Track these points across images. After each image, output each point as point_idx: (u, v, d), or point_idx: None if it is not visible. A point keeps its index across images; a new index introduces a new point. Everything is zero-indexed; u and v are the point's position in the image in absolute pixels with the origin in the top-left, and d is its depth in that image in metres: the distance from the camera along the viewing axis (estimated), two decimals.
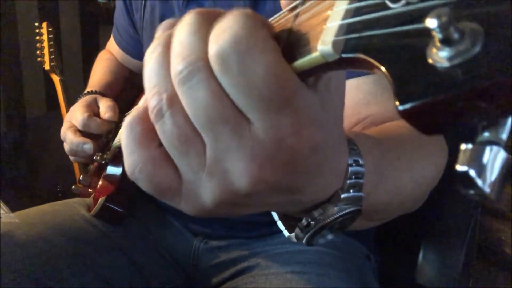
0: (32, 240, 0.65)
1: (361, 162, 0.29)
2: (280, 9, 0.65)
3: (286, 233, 0.32)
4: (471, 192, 0.17)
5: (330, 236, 0.30)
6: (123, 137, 0.25)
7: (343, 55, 0.19)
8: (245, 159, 0.22)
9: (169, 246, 0.79)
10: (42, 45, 1.43)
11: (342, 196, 0.28)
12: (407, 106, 0.17)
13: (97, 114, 0.79)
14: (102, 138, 0.83)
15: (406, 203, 0.44)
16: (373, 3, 0.18)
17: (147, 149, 0.24)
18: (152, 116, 0.23)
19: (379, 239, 0.81)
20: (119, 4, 0.92)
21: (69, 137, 0.76)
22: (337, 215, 0.28)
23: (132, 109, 0.25)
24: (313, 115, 0.23)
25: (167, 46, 0.23)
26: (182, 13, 0.71)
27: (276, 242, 0.71)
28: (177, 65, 0.22)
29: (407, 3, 0.17)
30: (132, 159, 0.25)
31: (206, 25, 0.22)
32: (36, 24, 1.46)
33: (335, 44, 0.19)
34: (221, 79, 0.21)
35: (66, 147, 0.78)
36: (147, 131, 0.24)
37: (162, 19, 0.75)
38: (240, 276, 0.69)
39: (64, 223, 0.71)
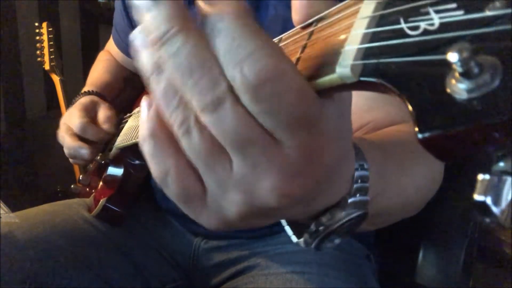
0: (32, 240, 0.65)
1: (366, 166, 0.29)
2: (282, 14, 0.65)
3: (294, 238, 0.32)
4: (487, 220, 0.17)
5: (337, 240, 0.31)
6: (147, 147, 0.25)
7: (361, 79, 0.19)
8: (272, 175, 0.23)
9: (169, 246, 0.78)
10: (42, 45, 1.43)
11: (349, 200, 0.29)
12: (426, 135, 0.17)
13: (94, 118, 0.78)
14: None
15: (407, 207, 0.44)
16: (391, 29, 0.18)
17: (176, 155, 0.25)
18: (179, 131, 0.24)
19: (379, 239, 0.81)
20: (118, 5, 0.92)
21: (67, 141, 0.76)
22: (345, 220, 0.29)
23: (141, 121, 0.25)
24: (335, 127, 0.24)
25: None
26: None
27: (276, 242, 0.71)
28: (201, 91, 0.22)
29: (425, 32, 0.17)
30: (162, 165, 0.25)
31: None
32: (36, 24, 1.46)
33: (353, 67, 0.19)
34: (248, 104, 0.22)
35: (65, 150, 0.78)
36: (172, 139, 0.25)
37: None
38: (240, 276, 0.69)
39: (64, 223, 0.71)
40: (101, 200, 0.75)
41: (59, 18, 1.97)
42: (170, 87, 0.23)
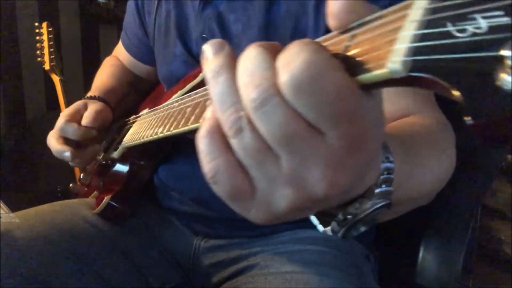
0: (32, 240, 0.65)
1: (391, 158, 0.31)
2: (294, 11, 0.67)
3: (320, 228, 0.33)
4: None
5: (362, 228, 0.32)
6: (203, 145, 0.27)
7: (411, 74, 0.21)
8: (320, 166, 0.25)
9: (169, 245, 0.79)
10: (42, 45, 1.43)
11: (376, 191, 0.30)
12: (477, 121, 0.20)
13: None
14: (102, 142, 0.83)
15: (424, 196, 0.47)
16: (439, 31, 0.20)
17: (227, 154, 0.27)
18: (230, 132, 0.26)
19: (379, 239, 0.81)
20: (130, 6, 0.92)
21: (51, 143, 0.77)
22: (371, 209, 0.30)
23: (203, 121, 0.28)
24: (373, 118, 0.25)
25: (232, 69, 0.26)
26: (198, 16, 0.71)
27: (276, 242, 0.71)
28: (250, 93, 0.25)
29: (474, 34, 0.19)
30: (215, 163, 0.27)
31: (269, 56, 0.25)
32: (36, 24, 1.46)
33: (404, 63, 0.21)
34: (294, 101, 0.24)
35: (52, 152, 0.78)
36: (225, 140, 0.27)
37: (177, 25, 0.76)
38: (239, 276, 0.69)
39: (64, 223, 0.71)
40: (106, 198, 0.75)
41: (59, 18, 1.97)
42: (225, 90, 0.26)
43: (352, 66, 0.24)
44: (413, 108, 0.55)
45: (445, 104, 0.61)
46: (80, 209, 0.77)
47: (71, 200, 0.83)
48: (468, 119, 0.20)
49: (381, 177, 0.31)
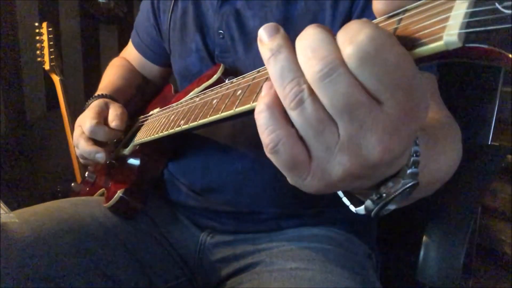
0: (37, 238, 0.65)
1: (417, 142, 0.33)
2: (311, 7, 0.69)
3: (352, 207, 0.36)
4: None
5: (392, 207, 0.34)
6: (264, 119, 0.30)
7: (466, 45, 0.24)
8: (378, 132, 0.27)
9: (175, 241, 0.79)
10: (42, 45, 1.43)
11: (408, 171, 0.32)
12: None
13: (106, 119, 0.79)
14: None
15: (438, 183, 0.50)
16: (488, 8, 0.23)
17: (287, 126, 0.29)
18: (292, 103, 0.28)
19: (381, 238, 0.82)
20: (144, 6, 0.93)
21: (81, 145, 0.76)
22: (402, 189, 0.32)
23: (260, 97, 0.31)
24: (423, 90, 0.27)
25: (291, 48, 0.29)
26: (216, 13, 0.73)
27: (281, 239, 0.71)
28: (315, 65, 0.27)
29: None
30: (276, 134, 0.29)
31: (330, 34, 0.27)
32: (36, 24, 1.46)
33: (459, 35, 0.24)
34: (357, 72, 0.26)
35: (78, 152, 0.79)
36: (284, 113, 0.29)
37: (196, 20, 0.77)
38: (244, 272, 0.69)
39: (69, 219, 0.71)
40: (118, 192, 0.75)
41: (59, 18, 1.97)
42: (286, 65, 0.28)
43: (405, 42, 0.26)
44: None
45: (449, 104, 0.62)
46: (87, 206, 0.77)
47: (77, 197, 0.83)
48: None
49: (412, 158, 0.32)
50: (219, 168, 0.73)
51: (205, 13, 0.76)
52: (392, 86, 0.26)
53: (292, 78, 0.28)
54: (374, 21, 0.30)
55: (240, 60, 0.72)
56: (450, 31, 0.24)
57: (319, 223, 0.73)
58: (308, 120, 0.28)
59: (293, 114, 0.28)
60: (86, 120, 0.76)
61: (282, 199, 0.71)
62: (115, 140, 0.84)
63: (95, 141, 0.77)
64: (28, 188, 1.75)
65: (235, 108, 0.40)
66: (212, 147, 0.76)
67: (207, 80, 0.69)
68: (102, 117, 0.78)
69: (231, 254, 0.73)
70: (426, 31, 0.26)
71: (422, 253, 0.67)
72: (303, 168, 0.30)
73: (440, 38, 0.25)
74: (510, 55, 0.23)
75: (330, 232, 0.72)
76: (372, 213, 0.34)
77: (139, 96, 1.00)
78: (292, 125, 0.29)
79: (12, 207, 0.72)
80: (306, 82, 0.28)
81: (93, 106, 0.80)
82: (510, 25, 0.22)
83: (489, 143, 0.88)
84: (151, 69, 0.98)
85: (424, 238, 0.68)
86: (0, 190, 1.62)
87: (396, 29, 0.28)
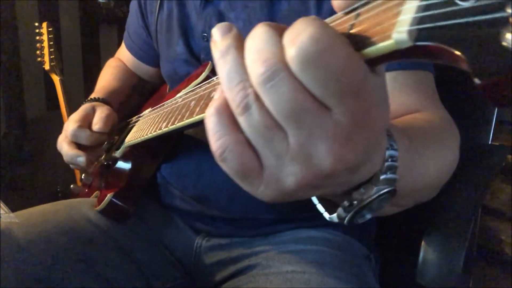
0: (34, 240, 0.65)
1: (395, 146, 0.32)
2: (296, 8, 0.67)
3: (326, 215, 0.34)
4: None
5: (368, 216, 0.32)
6: (212, 123, 0.28)
7: (417, 43, 0.22)
8: (327, 141, 0.25)
9: (171, 244, 0.79)
10: (42, 45, 1.43)
11: (381, 177, 0.31)
12: (485, 81, 0.20)
13: (91, 123, 0.78)
14: (103, 144, 0.83)
15: (427, 190, 0.47)
16: (442, 1, 0.21)
17: (236, 132, 0.27)
18: (238, 109, 0.26)
19: (380, 239, 0.81)
20: (133, 7, 0.92)
21: (64, 149, 0.76)
22: (376, 195, 0.31)
23: (212, 101, 0.29)
24: (379, 95, 0.26)
25: (240, 49, 0.27)
26: (199, 15, 0.72)
27: (277, 242, 0.71)
28: (258, 68, 0.25)
29: (477, 0, 0.20)
30: (223, 140, 0.27)
31: (276, 34, 0.25)
32: (36, 24, 1.46)
33: (410, 32, 0.22)
34: (301, 76, 0.24)
35: (63, 157, 0.78)
36: (233, 118, 0.27)
37: (180, 23, 0.76)
38: (241, 275, 0.69)
39: (66, 222, 0.71)
40: (108, 195, 0.75)
41: (59, 18, 1.97)
42: (233, 67, 0.27)
43: (358, 41, 0.24)
44: (416, 105, 0.55)
45: (448, 103, 0.61)
46: (82, 208, 0.77)
47: (73, 199, 0.83)
48: (476, 80, 0.20)
49: (386, 163, 0.31)
50: (211, 174, 0.72)
51: (189, 15, 0.75)
52: (338, 92, 0.24)
53: (238, 81, 0.26)
54: (332, 17, 0.28)
55: None
56: (400, 28, 0.22)
57: (315, 225, 0.72)
58: (256, 127, 0.26)
59: (241, 120, 0.27)
60: (69, 124, 0.76)
61: (276, 205, 0.70)
62: (106, 143, 0.83)
63: (80, 146, 0.76)
64: (28, 188, 1.75)
65: (207, 111, 0.39)
66: (204, 151, 0.75)
67: (196, 78, 0.68)
68: (86, 120, 0.77)
69: (227, 257, 0.73)
70: (378, 28, 0.24)
71: (421, 254, 0.67)
72: (255, 176, 0.28)
73: (389, 37, 0.23)
74: (456, 52, 0.20)
75: (327, 234, 0.71)
76: (345, 221, 0.32)
77: (136, 96, 0.99)
78: (242, 131, 0.27)
79: (12, 207, 0.72)
80: (251, 86, 0.26)
81: (79, 111, 0.80)
82: (465, 20, 0.20)
83: (489, 143, 0.88)
84: (145, 70, 0.98)
85: (424, 238, 0.68)
86: (0, 191, 1.62)
87: (352, 26, 0.26)
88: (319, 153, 0.25)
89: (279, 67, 0.24)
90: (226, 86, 0.27)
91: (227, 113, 0.27)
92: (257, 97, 0.26)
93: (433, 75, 0.62)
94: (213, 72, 0.68)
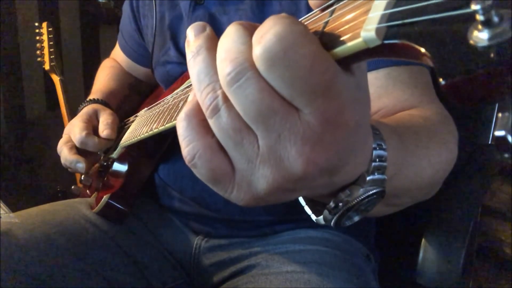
0: (33, 240, 0.65)
1: (384, 146, 0.31)
2: (287, 10, 0.66)
3: (313, 217, 0.33)
4: (506, 155, 0.20)
5: (356, 218, 0.32)
6: (181, 129, 0.27)
7: (385, 42, 0.21)
8: (297, 143, 0.24)
9: (170, 245, 0.79)
10: (42, 45, 1.43)
11: (368, 178, 0.30)
12: (450, 81, 0.19)
13: (96, 128, 0.78)
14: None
15: (424, 189, 0.46)
16: None
17: (205, 137, 0.27)
18: (207, 111, 0.26)
19: (380, 239, 0.81)
20: (125, 9, 0.92)
21: (64, 153, 0.76)
22: (363, 196, 0.30)
23: (184, 105, 0.28)
24: (352, 95, 0.25)
25: (211, 49, 0.26)
26: (189, 18, 0.71)
27: (277, 242, 0.71)
28: (225, 68, 0.24)
29: None
30: (192, 146, 0.27)
31: (247, 33, 0.25)
32: (36, 24, 1.46)
33: (378, 30, 0.21)
34: (267, 75, 0.23)
35: (62, 160, 0.78)
36: (203, 122, 0.27)
37: (170, 26, 0.75)
38: (240, 276, 0.69)
39: (65, 222, 0.71)
40: (104, 197, 0.75)
41: (59, 18, 1.97)
42: (203, 69, 0.26)
43: (329, 40, 0.24)
44: (412, 102, 0.54)
45: (448, 103, 0.61)
46: (82, 208, 0.77)
47: (72, 199, 0.83)
48: (441, 81, 0.20)
49: (373, 164, 0.30)
50: None
51: (181, 18, 0.74)
52: (307, 92, 0.23)
53: (208, 82, 0.26)
54: (309, 14, 0.27)
55: None
56: (368, 26, 0.21)
57: (314, 225, 0.72)
58: (225, 130, 0.26)
59: (211, 123, 0.26)
60: (75, 130, 0.76)
61: (274, 207, 0.70)
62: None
63: (80, 150, 0.76)
64: (28, 188, 1.75)
65: None
66: None
67: (189, 77, 0.68)
68: (91, 126, 0.77)
69: (226, 258, 0.73)
70: (349, 26, 0.23)
71: (421, 254, 0.67)
72: (226, 181, 0.27)
73: (358, 35, 0.22)
74: (421, 49, 0.20)
75: (326, 234, 0.71)
76: (332, 223, 0.31)
77: (134, 96, 0.99)
78: (212, 135, 0.27)
79: (12, 207, 0.73)
80: (220, 88, 0.25)
81: (81, 114, 0.79)
82: (434, 16, 0.19)
83: (489, 143, 0.88)
84: (140, 70, 0.97)
85: (424, 238, 0.68)
86: (0, 191, 1.62)
87: (326, 23, 0.25)
88: (290, 156, 0.25)
89: (245, 66, 0.24)
90: (196, 88, 0.26)
91: (197, 118, 0.27)
92: (226, 98, 0.25)
93: (429, 70, 0.61)
94: None
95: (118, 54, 1.00)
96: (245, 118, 0.25)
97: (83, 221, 0.73)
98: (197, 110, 0.27)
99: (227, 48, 0.25)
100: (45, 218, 0.70)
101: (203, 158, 0.27)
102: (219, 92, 0.25)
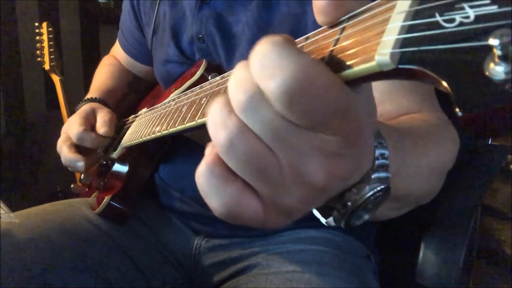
0: (33, 240, 0.65)
1: (384, 144, 0.31)
2: (294, 11, 0.66)
3: (323, 220, 0.33)
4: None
5: (366, 216, 0.32)
6: (204, 184, 0.27)
7: (400, 66, 0.21)
8: (317, 159, 0.25)
9: (170, 245, 0.79)
10: (42, 45, 1.43)
11: (373, 176, 0.30)
12: (467, 113, 0.19)
13: (94, 126, 0.78)
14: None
15: (423, 190, 0.47)
16: (427, 21, 0.20)
17: (233, 183, 0.27)
18: (222, 149, 0.25)
19: (380, 239, 0.81)
20: (125, 7, 0.91)
21: (64, 152, 0.76)
22: (370, 193, 0.30)
23: (196, 119, 0.28)
24: (365, 111, 0.25)
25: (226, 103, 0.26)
26: (195, 16, 0.70)
27: (277, 242, 0.71)
28: (237, 97, 0.24)
29: (461, 24, 0.19)
30: (222, 198, 0.27)
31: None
32: (36, 24, 1.46)
33: (392, 55, 0.21)
34: (283, 113, 0.23)
35: (62, 160, 0.78)
36: (225, 170, 0.26)
37: (172, 24, 0.75)
38: (240, 275, 0.69)
39: (66, 222, 0.71)
40: (106, 198, 0.75)
41: (59, 18, 1.97)
42: (218, 111, 0.26)
43: (339, 62, 0.24)
44: (414, 107, 0.55)
45: (448, 103, 0.61)
46: (82, 208, 0.77)
47: (72, 199, 0.83)
48: (458, 111, 0.20)
49: (377, 162, 0.31)
50: None
51: (184, 16, 0.74)
52: (326, 119, 0.23)
53: (219, 122, 0.26)
54: (318, 30, 0.27)
55: (224, 65, 0.69)
56: (382, 50, 0.21)
57: (315, 225, 0.72)
58: (244, 160, 0.25)
59: (229, 161, 0.26)
60: (72, 127, 0.76)
61: None
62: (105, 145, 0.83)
63: (80, 149, 0.76)
64: (28, 188, 1.75)
65: (197, 119, 0.38)
66: (201, 153, 0.74)
67: (191, 77, 0.67)
68: (89, 123, 0.77)
69: (227, 258, 0.73)
70: (362, 47, 0.23)
71: (421, 254, 0.67)
72: (259, 216, 0.27)
73: (372, 58, 0.22)
74: (439, 79, 0.20)
75: (327, 234, 0.71)
76: (342, 224, 0.32)
77: (132, 94, 0.99)
78: (235, 179, 0.26)
79: (12, 207, 0.73)
80: (232, 119, 0.25)
81: (79, 112, 0.79)
82: (450, 46, 0.19)
83: (489, 143, 0.88)
84: (139, 68, 0.97)
85: (424, 238, 0.68)
86: (0, 190, 1.62)
87: (337, 41, 0.25)
88: (311, 171, 0.25)
89: (259, 98, 0.24)
90: (212, 134, 0.26)
91: (219, 167, 0.27)
92: (237, 128, 0.25)
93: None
94: (207, 71, 0.68)
95: (117, 51, 1.00)
96: (264, 139, 0.25)
97: (83, 221, 0.73)
98: (217, 160, 0.27)
99: (236, 82, 0.25)
100: (45, 218, 0.70)
101: (235, 207, 0.27)
102: (229, 123, 0.25)
